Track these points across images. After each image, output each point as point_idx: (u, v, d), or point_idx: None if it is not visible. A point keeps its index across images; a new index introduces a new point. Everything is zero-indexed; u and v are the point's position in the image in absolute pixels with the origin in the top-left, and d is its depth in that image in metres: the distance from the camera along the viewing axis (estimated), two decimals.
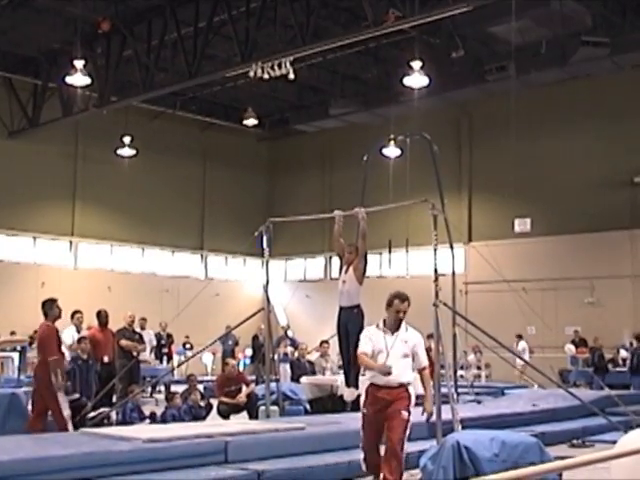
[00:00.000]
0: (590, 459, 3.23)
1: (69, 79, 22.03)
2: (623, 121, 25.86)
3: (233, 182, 33.58)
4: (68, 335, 14.36)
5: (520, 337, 23.34)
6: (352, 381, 9.93)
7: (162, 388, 19.55)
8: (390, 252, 22.93)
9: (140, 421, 12.48)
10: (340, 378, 14.91)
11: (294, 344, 19.99)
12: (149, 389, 19.01)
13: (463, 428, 9.51)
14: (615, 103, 25.95)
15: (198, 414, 12.90)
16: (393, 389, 7.60)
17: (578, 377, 22.11)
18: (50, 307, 10.97)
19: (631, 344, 20.98)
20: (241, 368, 23.32)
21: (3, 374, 20.07)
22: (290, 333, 23.21)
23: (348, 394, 10.18)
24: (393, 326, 7.78)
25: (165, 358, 22.30)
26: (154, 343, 21.00)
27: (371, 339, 7.71)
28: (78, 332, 14.36)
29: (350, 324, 9.64)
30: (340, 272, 10.02)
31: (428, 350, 18.55)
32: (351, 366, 9.74)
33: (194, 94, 28.77)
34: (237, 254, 31.94)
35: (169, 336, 22.70)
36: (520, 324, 22.33)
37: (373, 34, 18.97)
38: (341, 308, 9.87)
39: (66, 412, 10.57)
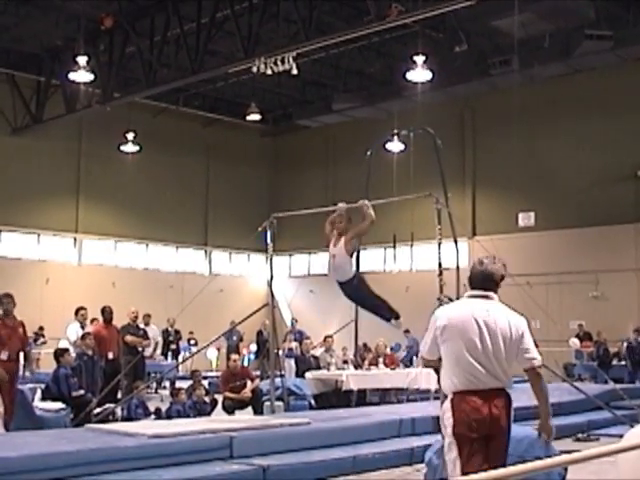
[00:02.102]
0: (596, 453, 3.21)
1: (72, 76, 22.06)
2: (627, 114, 25.80)
3: (236, 177, 33.56)
4: (72, 331, 14.42)
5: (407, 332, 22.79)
6: (387, 313, 9.98)
7: (167, 384, 19.58)
8: (395, 247, 22.90)
9: (145, 417, 12.50)
10: (345, 373, 14.95)
11: (301, 337, 20.00)
12: (154, 385, 19.05)
13: None
14: (619, 96, 25.89)
15: (203, 410, 12.91)
16: None
17: (583, 371, 22.11)
18: (3, 302, 10.64)
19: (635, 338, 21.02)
20: (245, 363, 23.36)
21: None
22: (297, 327, 23.21)
23: (396, 324, 10.10)
24: None
25: (173, 354, 22.18)
26: (158, 339, 21.00)
27: None
28: (82, 328, 14.40)
29: (355, 295, 9.86)
30: (329, 245, 9.88)
31: None
32: (378, 308, 9.90)
33: (197, 90, 28.76)
34: (241, 250, 31.97)
35: (177, 332, 22.63)
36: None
37: (376, 29, 18.93)
38: (338, 282, 9.82)
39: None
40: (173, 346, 22.09)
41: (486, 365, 5.05)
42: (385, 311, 9.97)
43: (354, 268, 9.86)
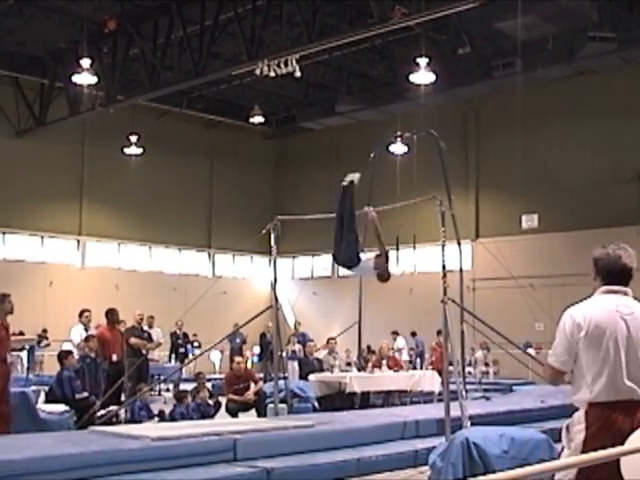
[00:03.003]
0: (602, 455, 3.20)
1: (76, 78, 22.08)
2: (630, 116, 25.79)
3: (240, 180, 33.59)
4: (76, 333, 14.40)
5: (396, 334, 22.18)
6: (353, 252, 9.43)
7: (170, 386, 19.55)
8: (398, 249, 22.90)
9: (149, 419, 12.50)
10: (348, 375, 14.94)
11: (304, 340, 20.00)
12: (158, 387, 19.03)
13: (472, 425, 9.50)
14: (622, 98, 25.87)
15: (207, 412, 12.91)
16: None
17: None
18: (1, 301, 10.52)
19: None
20: (249, 366, 23.33)
21: (12, 373, 20.11)
22: (301, 329, 23.21)
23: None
24: None
25: (178, 357, 21.81)
26: (161, 341, 20.89)
27: None
28: (86, 331, 14.39)
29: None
30: None
31: (437, 347, 18.59)
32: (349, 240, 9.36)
33: (200, 92, 28.79)
34: (244, 252, 31.97)
35: (185, 335, 22.30)
36: (528, 320, 22.32)
37: (379, 31, 18.95)
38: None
39: None
40: (182, 349, 21.71)
41: (632, 372, 4.30)
42: (353, 249, 9.38)
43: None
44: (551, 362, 4.48)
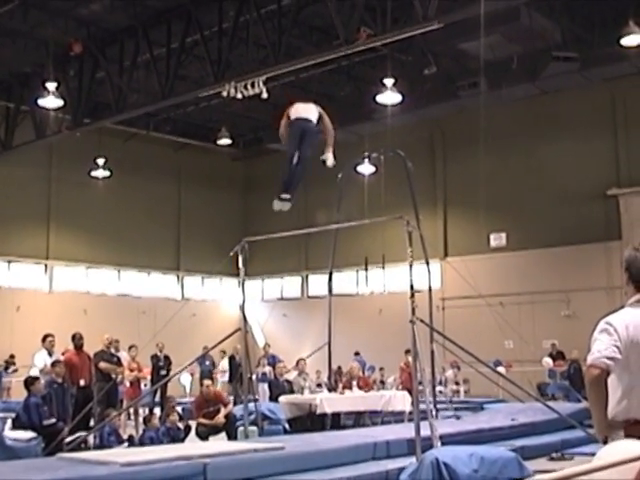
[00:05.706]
0: (579, 471, 3.17)
1: (41, 101, 21.94)
2: (594, 134, 26.08)
3: (208, 202, 33.56)
4: (40, 359, 14.29)
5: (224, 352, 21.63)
6: (291, 188, 10.07)
7: (141, 411, 19.32)
8: (366, 269, 22.94)
9: (118, 444, 12.38)
10: (319, 396, 14.91)
11: (274, 361, 19.91)
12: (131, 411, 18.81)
13: (442, 444, 9.50)
14: (585, 117, 26.18)
15: (176, 436, 12.83)
16: None
17: (556, 390, 22.17)
18: None
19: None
20: (218, 386, 23.15)
21: None
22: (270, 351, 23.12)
23: (277, 205, 10.07)
24: None
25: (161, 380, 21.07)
26: (134, 365, 20.53)
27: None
28: (50, 356, 14.28)
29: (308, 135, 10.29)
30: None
31: (406, 367, 18.57)
32: (293, 169, 10.03)
33: (168, 115, 28.73)
34: (213, 274, 31.86)
35: (167, 358, 21.61)
36: (497, 338, 22.38)
37: (345, 52, 19.00)
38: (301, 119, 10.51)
39: None
40: (163, 372, 20.97)
41: None
42: (284, 175, 10.13)
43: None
44: (599, 357, 4.13)
